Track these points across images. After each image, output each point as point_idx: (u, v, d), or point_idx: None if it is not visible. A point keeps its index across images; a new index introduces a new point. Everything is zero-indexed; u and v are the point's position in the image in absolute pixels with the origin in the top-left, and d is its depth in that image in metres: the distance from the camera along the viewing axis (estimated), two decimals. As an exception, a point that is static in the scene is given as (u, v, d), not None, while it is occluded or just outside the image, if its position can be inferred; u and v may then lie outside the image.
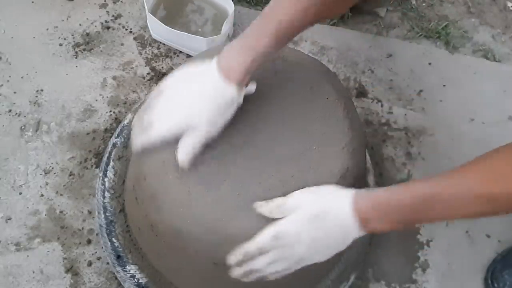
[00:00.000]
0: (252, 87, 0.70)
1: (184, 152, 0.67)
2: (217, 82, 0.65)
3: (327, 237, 0.62)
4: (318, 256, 0.64)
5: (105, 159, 0.98)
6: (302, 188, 0.69)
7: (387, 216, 0.60)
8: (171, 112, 0.67)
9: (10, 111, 1.10)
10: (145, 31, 1.22)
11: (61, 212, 1.00)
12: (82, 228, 0.99)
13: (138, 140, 0.69)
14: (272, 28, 0.64)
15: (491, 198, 0.56)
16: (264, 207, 0.66)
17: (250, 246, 0.63)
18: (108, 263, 0.95)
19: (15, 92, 1.12)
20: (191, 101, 0.66)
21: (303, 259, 0.64)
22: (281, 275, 0.65)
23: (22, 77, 1.14)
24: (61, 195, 1.02)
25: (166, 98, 0.69)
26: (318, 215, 0.61)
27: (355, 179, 0.75)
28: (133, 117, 1.00)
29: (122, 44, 1.20)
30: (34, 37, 1.19)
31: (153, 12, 1.20)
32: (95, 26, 1.22)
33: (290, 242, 0.62)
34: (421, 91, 1.21)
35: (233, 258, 0.65)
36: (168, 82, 0.71)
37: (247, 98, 0.74)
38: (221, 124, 0.68)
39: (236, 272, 0.66)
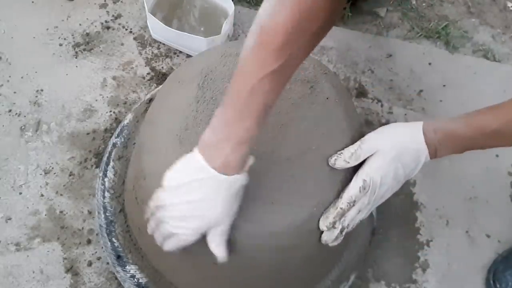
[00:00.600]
0: (251, 161, 0.65)
1: (219, 247, 0.66)
2: (222, 182, 0.61)
3: (405, 171, 0.68)
4: (396, 188, 0.70)
5: (105, 159, 0.98)
6: (302, 187, 0.70)
7: (453, 146, 0.68)
8: (189, 222, 0.64)
9: (10, 111, 1.10)
10: (145, 31, 1.22)
11: (61, 212, 1.00)
12: (82, 228, 0.99)
13: (165, 246, 0.68)
14: (255, 110, 0.58)
15: None
16: (339, 160, 0.69)
17: (342, 203, 0.67)
18: (108, 263, 0.95)
19: (15, 92, 1.12)
20: (206, 205, 0.63)
21: (384, 197, 0.69)
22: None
23: (22, 77, 1.14)
24: (61, 195, 1.02)
25: (176, 208, 0.64)
26: (396, 156, 0.66)
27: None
28: (133, 117, 1.00)
29: (122, 44, 1.20)
30: (34, 37, 1.19)
31: (153, 12, 1.20)
32: (95, 26, 1.22)
33: (375, 187, 0.67)
34: (421, 91, 1.21)
35: (328, 220, 0.67)
36: (168, 193, 0.65)
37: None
38: (237, 208, 0.66)
39: (328, 237, 0.68)
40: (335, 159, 0.70)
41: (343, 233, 0.70)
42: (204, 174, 0.61)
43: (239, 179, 0.62)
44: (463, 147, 0.69)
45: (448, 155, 0.70)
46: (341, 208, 0.68)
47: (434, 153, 0.69)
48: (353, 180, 0.68)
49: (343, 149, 0.72)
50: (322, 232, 0.71)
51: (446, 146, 0.68)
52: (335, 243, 0.71)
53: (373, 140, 0.69)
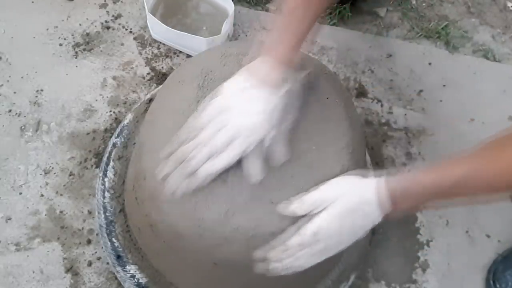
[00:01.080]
0: (302, 73, 0.72)
1: (256, 169, 0.69)
2: (265, 93, 0.68)
3: (359, 228, 0.67)
4: (345, 245, 0.68)
5: (105, 159, 0.98)
6: (302, 188, 0.69)
7: (410, 204, 0.66)
8: (236, 137, 0.67)
9: (10, 111, 1.10)
10: (145, 31, 1.22)
11: (61, 212, 1.00)
12: (82, 228, 0.99)
13: (202, 171, 0.67)
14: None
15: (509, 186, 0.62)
16: (290, 207, 0.67)
17: (292, 242, 0.66)
18: (108, 263, 0.95)
19: (15, 92, 1.12)
20: (253, 119, 0.67)
21: (332, 250, 0.68)
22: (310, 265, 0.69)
23: (22, 77, 1.14)
24: (61, 195, 1.02)
25: (220, 123, 0.67)
26: (352, 209, 0.65)
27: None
28: (133, 117, 1.00)
29: (122, 44, 1.20)
30: (34, 37, 1.19)
31: (153, 12, 1.20)
32: (95, 26, 1.22)
33: (328, 237, 0.66)
34: (421, 91, 1.21)
35: (272, 253, 0.67)
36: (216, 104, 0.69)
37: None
38: (290, 119, 0.71)
39: (272, 266, 0.68)
40: (284, 207, 0.68)
41: (291, 271, 0.69)
42: (249, 84, 0.68)
43: (280, 92, 0.69)
44: (424, 202, 0.68)
45: (405, 212, 0.67)
46: (290, 246, 0.66)
47: (388, 213, 0.67)
48: (306, 224, 0.66)
49: (343, 149, 0.73)
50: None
51: (403, 206, 0.66)
52: (280, 273, 0.69)
53: (329, 193, 0.67)
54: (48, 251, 0.96)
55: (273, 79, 0.69)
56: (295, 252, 0.66)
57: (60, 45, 1.19)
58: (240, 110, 0.67)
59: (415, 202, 0.66)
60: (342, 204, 0.65)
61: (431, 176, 0.64)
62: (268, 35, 0.72)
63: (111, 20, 1.23)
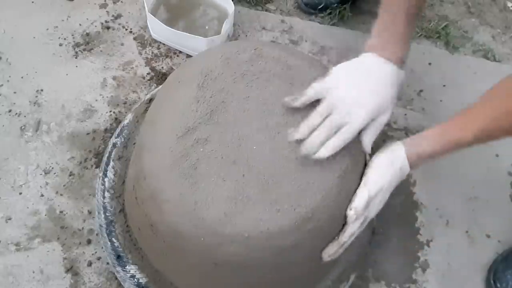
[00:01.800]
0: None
1: (371, 140, 0.74)
2: (390, 70, 0.73)
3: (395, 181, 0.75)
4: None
5: (105, 159, 0.98)
6: (302, 187, 0.69)
7: (430, 160, 0.76)
8: (361, 107, 0.71)
9: (10, 111, 1.10)
10: (145, 31, 1.22)
11: (61, 212, 1.00)
12: (82, 228, 0.99)
13: (330, 145, 0.71)
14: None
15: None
16: (356, 206, 0.73)
17: (357, 205, 0.72)
18: (108, 263, 0.95)
19: (15, 92, 1.12)
20: (377, 91, 0.72)
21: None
22: None
23: (22, 77, 1.14)
24: (61, 195, 1.02)
25: (348, 93, 0.71)
26: (389, 166, 0.74)
27: (355, 179, 0.75)
28: (133, 117, 1.00)
29: (122, 44, 1.20)
30: (34, 37, 1.19)
31: (153, 12, 1.20)
32: (95, 26, 1.22)
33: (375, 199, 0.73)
34: (421, 91, 1.21)
35: (352, 210, 0.72)
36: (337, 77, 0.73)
37: (248, 98, 0.74)
38: (395, 101, 0.75)
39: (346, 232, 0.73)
40: (353, 213, 0.73)
41: (343, 247, 0.75)
42: (372, 61, 0.73)
43: (402, 72, 0.74)
44: (440, 157, 0.77)
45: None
46: (358, 207, 0.72)
47: (412, 166, 0.76)
48: (359, 192, 0.73)
49: (342, 149, 0.73)
50: (322, 232, 0.72)
51: (425, 161, 0.76)
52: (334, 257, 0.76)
53: (377, 180, 0.74)
54: (48, 251, 0.96)
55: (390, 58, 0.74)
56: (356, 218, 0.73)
57: (60, 45, 1.19)
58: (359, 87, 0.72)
59: (437, 157, 0.75)
60: (389, 181, 0.73)
61: (449, 138, 0.73)
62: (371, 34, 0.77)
63: (111, 20, 1.23)
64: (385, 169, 0.74)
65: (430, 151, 0.74)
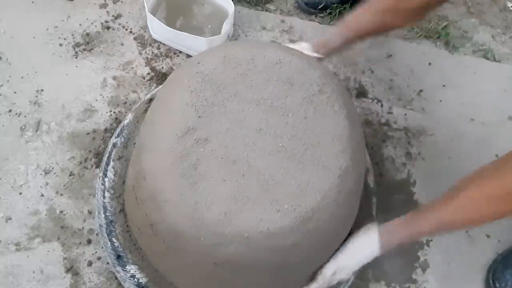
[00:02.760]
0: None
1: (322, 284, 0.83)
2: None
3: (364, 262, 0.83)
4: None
5: (105, 159, 0.98)
6: (302, 187, 0.70)
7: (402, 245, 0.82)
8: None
9: (10, 111, 1.10)
10: (145, 31, 1.22)
11: (61, 212, 1.00)
12: (82, 228, 0.99)
13: None
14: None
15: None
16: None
17: (325, 273, 0.81)
18: (108, 263, 0.95)
19: (15, 92, 1.12)
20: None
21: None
22: None
23: (22, 77, 1.14)
24: (61, 195, 1.02)
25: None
26: (360, 250, 0.82)
27: (355, 179, 0.75)
28: (133, 117, 1.00)
29: (122, 44, 1.20)
30: (34, 37, 1.19)
31: (153, 12, 1.20)
32: (95, 26, 1.22)
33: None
34: (421, 91, 1.21)
35: None
36: None
37: (248, 98, 0.74)
38: None
39: None
40: (320, 278, 0.82)
41: None
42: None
43: None
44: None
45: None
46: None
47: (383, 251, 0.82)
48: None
49: (343, 149, 0.73)
50: (322, 232, 0.72)
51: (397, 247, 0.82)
52: None
53: (347, 260, 0.82)
54: (48, 251, 0.96)
55: None
56: None
57: (60, 45, 1.19)
58: None
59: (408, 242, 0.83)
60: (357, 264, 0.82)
61: (411, 230, 0.79)
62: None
63: (111, 20, 1.23)
64: (356, 252, 0.81)
65: (398, 242, 0.80)
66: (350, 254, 0.81)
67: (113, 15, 1.24)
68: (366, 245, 0.81)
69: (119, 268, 0.89)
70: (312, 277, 0.83)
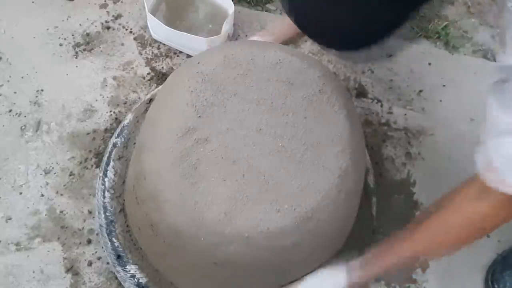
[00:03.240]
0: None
1: None
2: None
3: None
4: None
5: (105, 159, 0.98)
6: (302, 187, 0.70)
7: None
8: None
9: (10, 111, 1.10)
10: (145, 31, 1.22)
11: (61, 212, 1.00)
12: (82, 228, 0.99)
13: None
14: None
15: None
16: None
17: None
18: (108, 263, 0.95)
19: (15, 92, 1.12)
20: None
21: None
22: None
23: (22, 77, 1.14)
24: (61, 195, 1.02)
25: None
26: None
27: (355, 179, 0.76)
28: (133, 117, 1.00)
29: (122, 44, 1.20)
30: (34, 37, 1.19)
31: (153, 12, 1.20)
32: (95, 26, 1.22)
33: None
34: (421, 91, 1.21)
35: None
36: None
37: (248, 98, 0.74)
38: None
39: None
40: None
41: None
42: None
43: None
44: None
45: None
46: None
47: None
48: None
49: (343, 149, 0.73)
50: (322, 232, 0.71)
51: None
52: None
53: None
54: (48, 251, 0.96)
55: None
56: None
57: (60, 45, 1.19)
58: None
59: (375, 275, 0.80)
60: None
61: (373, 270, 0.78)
62: None
63: (111, 20, 1.23)
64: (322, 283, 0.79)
65: (363, 280, 0.79)
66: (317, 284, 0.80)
67: (113, 15, 1.24)
68: (332, 280, 0.79)
69: (119, 268, 0.89)
70: None
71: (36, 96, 1.12)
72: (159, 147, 0.73)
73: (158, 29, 1.17)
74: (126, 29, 1.22)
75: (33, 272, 0.94)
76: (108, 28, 1.22)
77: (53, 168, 1.04)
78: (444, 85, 1.22)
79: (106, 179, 0.95)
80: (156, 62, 1.19)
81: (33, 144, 1.07)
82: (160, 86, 1.00)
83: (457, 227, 0.70)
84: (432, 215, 0.73)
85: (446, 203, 0.72)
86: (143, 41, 1.21)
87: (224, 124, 0.74)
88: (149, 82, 1.16)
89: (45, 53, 1.17)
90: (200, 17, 1.23)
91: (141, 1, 1.24)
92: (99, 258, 0.97)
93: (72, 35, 1.20)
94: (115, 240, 0.90)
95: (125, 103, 1.13)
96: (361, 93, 1.19)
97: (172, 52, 1.20)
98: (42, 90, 1.13)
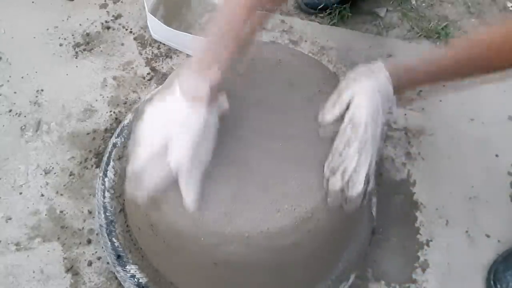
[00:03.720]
0: (223, 103, 0.70)
1: (187, 191, 0.67)
2: (187, 113, 0.63)
3: (383, 109, 0.73)
4: (382, 128, 0.73)
5: (105, 159, 0.98)
6: (302, 187, 0.70)
7: (411, 81, 0.76)
8: (156, 165, 0.65)
9: (10, 111, 1.10)
10: (145, 31, 1.22)
11: (61, 212, 1.00)
12: (82, 228, 0.99)
13: (137, 194, 0.68)
14: (226, 41, 0.65)
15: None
16: (326, 114, 0.72)
17: (337, 144, 0.70)
18: (108, 263, 0.95)
19: (15, 92, 1.12)
20: (173, 144, 0.64)
21: (376, 138, 0.71)
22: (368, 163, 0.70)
23: (22, 77, 1.14)
24: (61, 195, 1.02)
25: (147, 147, 0.66)
26: (373, 96, 0.71)
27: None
28: (133, 117, 1.00)
29: (122, 44, 1.20)
30: (34, 37, 1.19)
31: (153, 12, 1.20)
32: (95, 26, 1.22)
33: (363, 124, 0.69)
34: (421, 91, 1.21)
35: (328, 161, 0.70)
36: (144, 128, 0.68)
37: (248, 98, 0.74)
38: (208, 149, 0.68)
39: (332, 185, 0.69)
40: (322, 115, 0.72)
41: (348, 181, 0.69)
42: (176, 105, 0.63)
43: (204, 113, 0.63)
44: (420, 80, 0.77)
45: (408, 89, 0.78)
46: (336, 148, 0.70)
47: (397, 89, 0.74)
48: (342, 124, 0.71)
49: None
50: (322, 232, 0.71)
51: (406, 80, 0.75)
52: (353, 206, 0.71)
53: (349, 87, 0.72)
54: (48, 251, 0.96)
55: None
56: (342, 152, 0.69)
57: (60, 45, 1.19)
58: None
59: (416, 75, 0.75)
60: (363, 95, 0.71)
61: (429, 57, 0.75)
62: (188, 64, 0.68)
63: (111, 20, 1.23)
64: (371, 94, 0.72)
65: (409, 67, 0.75)
66: (364, 90, 0.72)
67: (113, 15, 1.24)
68: (377, 81, 0.73)
69: (119, 268, 0.89)
70: (313, 277, 0.82)
71: (36, 96, 1.12)
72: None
73: (158, 29, 1.17)
74: (126, 29, 1.22)
75: (33, 272, 0.95)
76: (108, 28, 1.22)
77: (53, 168, 1.04)
78: (444, 85, 1.22)
79: (106, 179, 0.95)
80: (156, 62, 1.19)
81: (33, 144, 1.07)
82: (160, 86, 1.00)
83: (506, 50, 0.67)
84: (480, 34, 0.72)
85: (497, 27, 0.69)
86: (143, 41, 1.21)
87: (224, 124, 0.74)
88: (149, 82, 1.16)
89: (45, 53, 1.17)
90: (200, 17, 1.23)
91: (141, 1, 1.24)
92: (99, 258, 0.97)
93: (72, 35, 1.20)
94: (115, 240, 0.90)
95: (125, 103, 1.13)
96: (361, 93, 1.19)
97: (172, 52, 1.20)
98: (42, 90, 1.13)
